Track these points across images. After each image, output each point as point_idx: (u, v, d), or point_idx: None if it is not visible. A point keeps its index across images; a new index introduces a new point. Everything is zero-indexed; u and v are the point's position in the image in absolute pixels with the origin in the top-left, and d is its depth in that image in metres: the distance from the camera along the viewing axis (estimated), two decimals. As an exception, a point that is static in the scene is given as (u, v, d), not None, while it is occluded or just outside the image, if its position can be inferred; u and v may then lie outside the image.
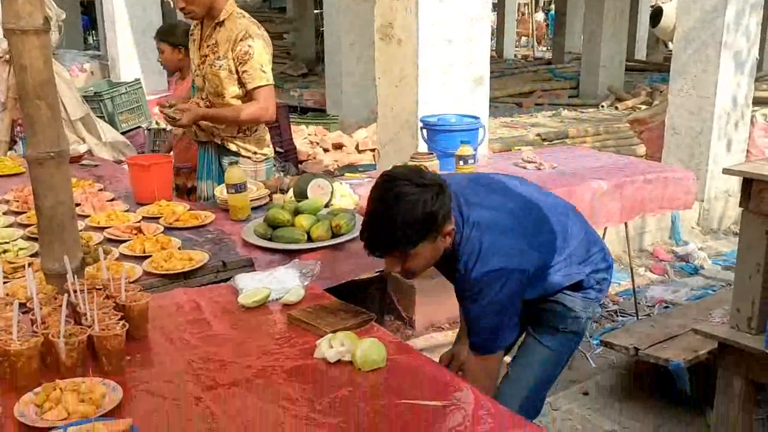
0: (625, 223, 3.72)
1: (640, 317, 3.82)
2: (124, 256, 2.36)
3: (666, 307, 3.96)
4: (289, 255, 2.37)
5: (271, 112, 3.08)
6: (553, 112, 10.48)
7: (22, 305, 1.70)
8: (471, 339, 1.94)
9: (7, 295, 1.85)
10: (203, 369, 1.60)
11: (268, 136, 3.28)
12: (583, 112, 10.44)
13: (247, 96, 3.04)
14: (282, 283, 2.03)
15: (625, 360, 3.41)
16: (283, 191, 3.02)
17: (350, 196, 2.92)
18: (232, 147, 3.15)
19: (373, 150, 7.09)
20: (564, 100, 11.24)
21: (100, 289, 1.76)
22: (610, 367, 3.46)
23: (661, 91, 9.74)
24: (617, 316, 3.99)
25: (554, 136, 7.96)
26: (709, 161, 5.18)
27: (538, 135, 8.00)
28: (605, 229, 3.67)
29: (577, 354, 3.53)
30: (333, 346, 1.64)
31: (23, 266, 2.12)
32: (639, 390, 3.21)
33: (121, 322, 1.61)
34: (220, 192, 2.91)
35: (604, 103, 10.69)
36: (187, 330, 1.81)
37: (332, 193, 2.83)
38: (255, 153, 3.19)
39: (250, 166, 3.15)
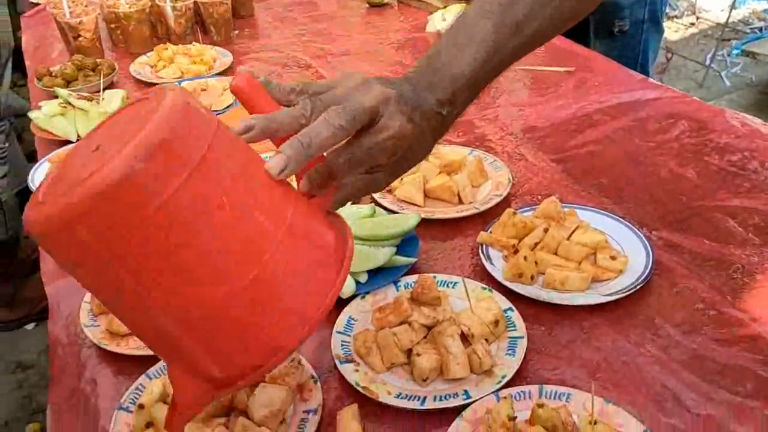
0: None
1: (789, 34, 3.41)
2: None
3: (823, 24, 3.49)
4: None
5: None
6: None
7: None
8: None
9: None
10: (312, 41, 1.55)
11: None
12: None
13: None
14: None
15: (765, 78, 3.11)
16: None
17: None
18: None
19: None
20: None
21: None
22: (748, 85, 3.18)
23: None
24: (761, 32, 3.58)
25: None
26: None
27: None
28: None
29: (710, 73, 3.26)
30: (446, 18, 1.53)
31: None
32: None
33: (226, -11, 1.55)
34: None
35: None
36: (295, 9, 1.76)
37: None
38: None
39: None
